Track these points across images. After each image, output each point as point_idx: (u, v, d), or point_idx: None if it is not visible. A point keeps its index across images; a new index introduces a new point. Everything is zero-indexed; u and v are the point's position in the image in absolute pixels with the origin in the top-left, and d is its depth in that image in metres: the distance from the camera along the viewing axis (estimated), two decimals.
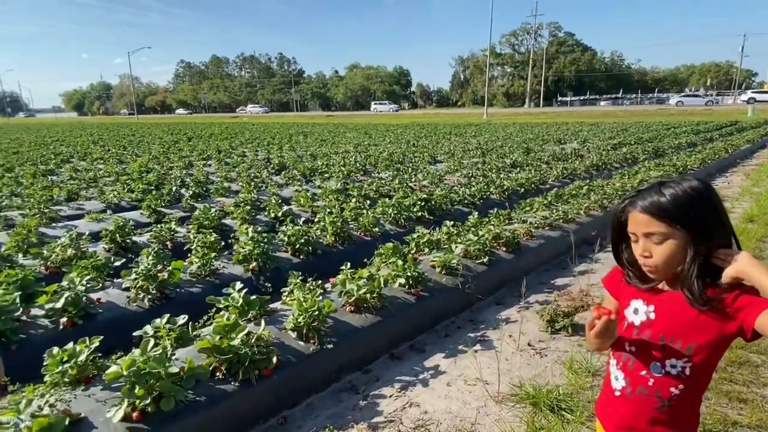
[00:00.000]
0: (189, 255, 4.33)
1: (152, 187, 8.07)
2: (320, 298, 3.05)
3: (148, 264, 3.60)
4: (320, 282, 3.48)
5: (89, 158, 13.86)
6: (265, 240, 4.31)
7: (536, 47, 77.84)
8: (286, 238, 4.58)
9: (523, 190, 7.56)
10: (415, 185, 8.13)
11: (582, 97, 70.16)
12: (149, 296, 3.49)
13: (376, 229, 5.26)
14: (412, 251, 4.29)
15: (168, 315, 2.79)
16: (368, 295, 3.18)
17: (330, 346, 2.79)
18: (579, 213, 5.75)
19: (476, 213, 5.40)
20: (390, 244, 4.12)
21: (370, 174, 10.22)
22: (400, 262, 3.60)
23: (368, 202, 6.06)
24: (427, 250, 4.33)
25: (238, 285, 3.15)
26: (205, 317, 3.11)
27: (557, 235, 5.15)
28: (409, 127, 31.64)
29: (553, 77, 76.69)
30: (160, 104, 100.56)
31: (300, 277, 3.45)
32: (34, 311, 3.18)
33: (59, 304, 3.07)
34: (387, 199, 6.22)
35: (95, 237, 4.99)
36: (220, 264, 4.15)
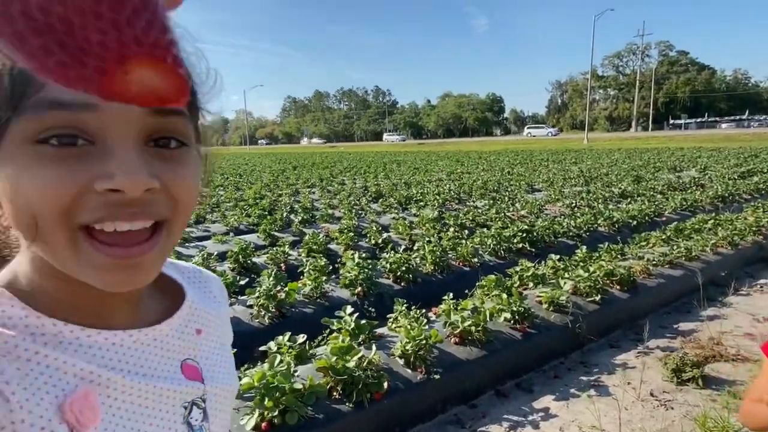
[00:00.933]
0: (301, 277, 4.69)
1: (266, 213, 8.87)
2: (426, 327, 3.11)
3: (269, 284, 3.96)
4: (423, 311, 3.55)
5: (212, 185, 15.63)
6: (369, 266, 4.51)
7: (643, 68, 72.45)
8: (388, 265, 4.75)
9: (635, 222, 7.01)
10: (513, 215, 7.95)
11: (699, 120, 63.34)
12: (269, 314, 3.83)
13: (475, 260, 5.24)
14: (515, 284, 4.20)
15: (289, 333, 3.05)
16: (473, 328, 3.18)
17: (437, 376, 2.83)
18: (705, 250, 5.18)
19: (583, 247, 5.13)
20: (492, 276, 4.08)
21: (464, 202, 10.20)
22: (504, 296, 3.55)
23: (466, 231, 6.07)
24: (531, 284, 4.21)
25: (349, 309, 3.35)
26: (319, 337, 3.33)
27: (679, 275, 4.68)
28: (502, 153, 31.05)
29: (663, 99, 70.48)
30: (268, 136, 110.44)
31: (404, 305, 3.56)
32: None
33: None
34: (485, 229, 6.17)
35: (221, 257, 5.61)
36: (329, 287, 4.42)
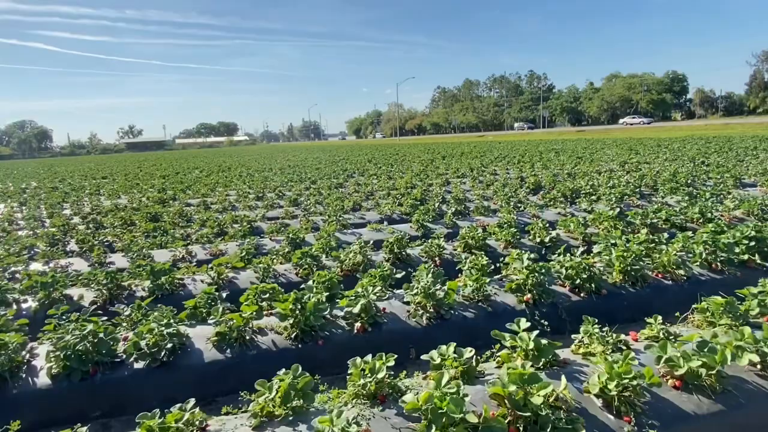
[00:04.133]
0: (459, 275, 4.26)
1: (418, 203, 8.69)
2: (636, 363, 2.39)
3: (426, 282, 3.62)
4: (622, 337, 2.80)
5: (366, 174, 16.27)
6: (541, 270, 3.85)
7: None
8: (563, 271, 4.01)
9: None
10: (722, 215, 6.29)
11: None
12: (427, 314, 3.49)
13: (681, 272, 4.13)
14: (752, 311, 3.10)
15: (453, 344, 2.63)
16: (702, 371, 2.34)
17: (652, 431, 2.11)
18: None
19: None
20: (719, 299, 3.08)
21: (647, 198, 8.55)
22: (747, 330, 2.58)
23: (665, 235, 4.87)
24: None
25: (523, 323, 2.78)
26: (487, 352, 2.86)
27: None
28: (686, 141, 26.04)
29: None
30: (417, 127, 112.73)
31: (594, 325, 2.85)
32: (335, 311, 3.56)
33: (356, 310, 3.34)
34: (689, 233, 4.89)
35: (376, 245, 5.49)
36: (492, 289, 3.90)
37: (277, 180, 15.32)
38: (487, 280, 3.84)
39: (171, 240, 6.56)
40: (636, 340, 2.87)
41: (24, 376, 2.97)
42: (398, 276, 4.14)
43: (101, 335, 3.10)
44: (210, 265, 4.76)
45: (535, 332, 2.68)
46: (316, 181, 14.40)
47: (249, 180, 16.12)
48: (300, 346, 3.23)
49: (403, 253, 5.13)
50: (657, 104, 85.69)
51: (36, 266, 5.62)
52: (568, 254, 4.27)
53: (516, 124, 76.41)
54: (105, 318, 3.35)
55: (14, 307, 4.25)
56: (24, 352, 3.10)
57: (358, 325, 3.35)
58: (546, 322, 3.58)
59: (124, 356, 3.09)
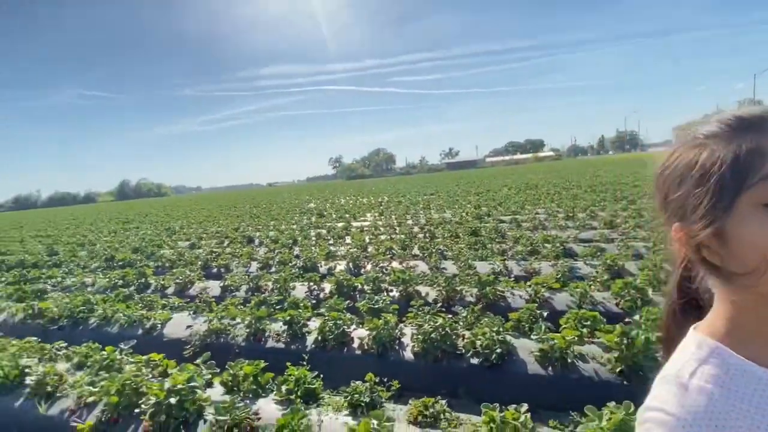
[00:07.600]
0: None
1: None
2: None
3: None
4: None
5: None
6: None
7: None
8: None
9: None
10: None
11: None
12: None
13: None
14: None
15: None
16: None
17: None
18: None
19: None
20: None
21: None
22: None
23: None
24: None
25: None
26: None
27: None
28: None
29: None
30: None
31: None
32: None
33: None
34: None
35: None
36: None
37: (588, 199, 14.57)
38: None
39: (490, 254, 7.33)
40: None
41: (396, 348, 4.05)
42: None
43: (447, 329, 3.87)
44: (528, 283, 5.11)
45: None
46: (636, 201, 12.92)
47: (557, 198, 15.98)
48: (626, 383, 3.11)
49: None
50: None
51: (395, 264, 7.39)
52: None
53: None
54: (448, 315, 4.14)
55: (385, 294, 5.76)
56: (396, 331, 4.20)
57: None
58: None
59: (463, 351, 3.76)
